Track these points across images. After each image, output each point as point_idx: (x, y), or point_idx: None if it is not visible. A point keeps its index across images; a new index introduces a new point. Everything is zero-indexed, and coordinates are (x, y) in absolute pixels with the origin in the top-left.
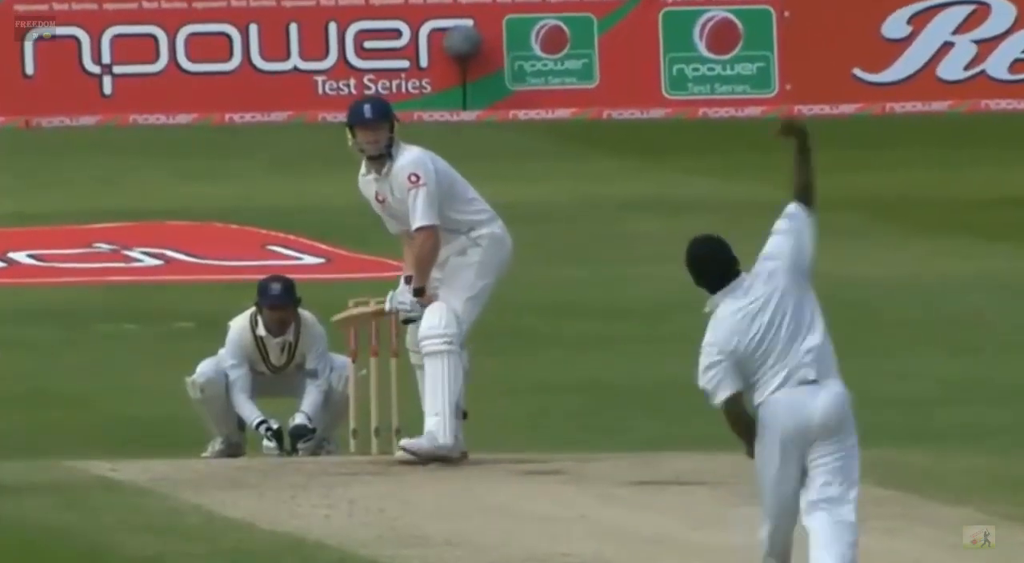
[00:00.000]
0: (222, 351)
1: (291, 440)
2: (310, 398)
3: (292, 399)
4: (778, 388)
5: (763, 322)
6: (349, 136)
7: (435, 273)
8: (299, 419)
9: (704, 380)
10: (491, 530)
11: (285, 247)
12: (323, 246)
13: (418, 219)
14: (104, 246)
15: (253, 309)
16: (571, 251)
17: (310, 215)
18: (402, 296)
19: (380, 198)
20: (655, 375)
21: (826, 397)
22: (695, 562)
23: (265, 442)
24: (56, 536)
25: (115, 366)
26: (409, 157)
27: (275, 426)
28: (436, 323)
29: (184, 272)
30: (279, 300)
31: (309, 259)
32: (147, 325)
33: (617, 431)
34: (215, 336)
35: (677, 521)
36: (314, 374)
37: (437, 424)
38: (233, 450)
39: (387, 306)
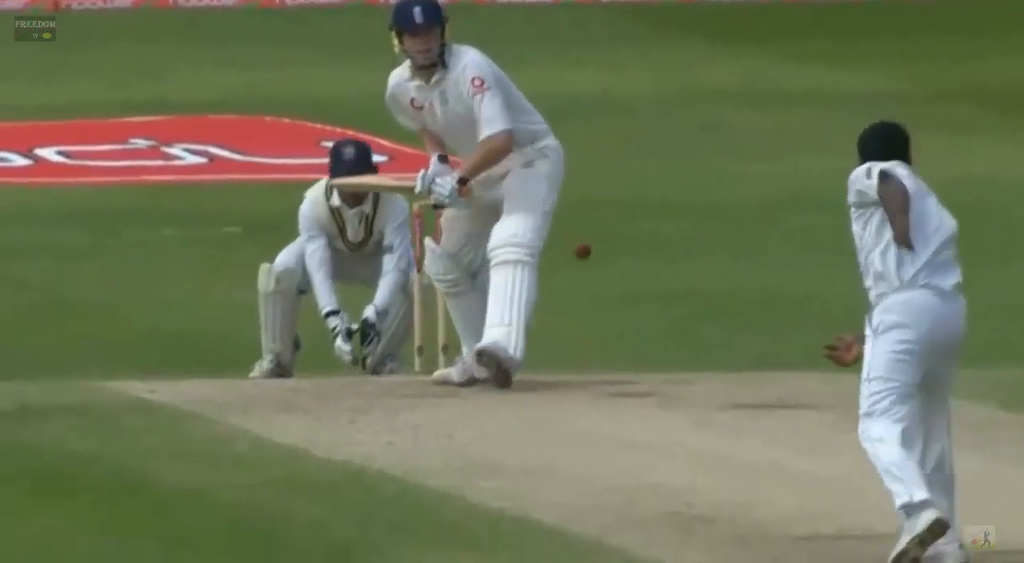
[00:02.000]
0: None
1: (359, 336)
2: (385, 288)
3: (367, 292)
4: (919, 275)
5: (929, 201)
6: (395, 41)
7: (480, 191)
8: (367, 313)
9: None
10: (572, 459)
11: None
12: (385, 142)
13: (495, 123)
14: (141, 142)
15: (326, 179)
16: (663, 146)
17: (371, 108)
18: (442, 177)
19: (418, 105)
20: (758, 284)
21: (962, 313)
22: (801, 493)
23: (339, 343)
24: (86, 465)
25: (152, 276)
26: (468, 60)
27: (353, 327)
28: (517, 232)
29: (230, 171)
30: (353, 167)
31: None
32: (188, 230)
33: (715, 348)
34: (264, 242)
35: (781, 448)
36: (391, 249)
37: (506, 335)
38: (283, 371)
39: (418, 187)
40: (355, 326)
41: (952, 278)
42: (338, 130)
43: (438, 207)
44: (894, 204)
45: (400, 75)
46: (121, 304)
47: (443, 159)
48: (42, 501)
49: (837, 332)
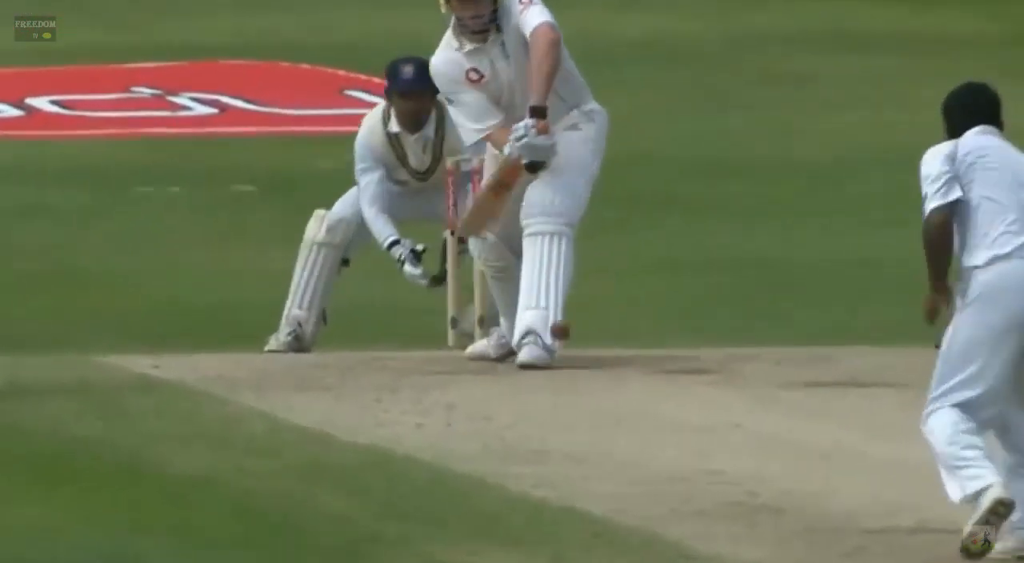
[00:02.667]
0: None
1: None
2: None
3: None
4: (1010, 246)
5: (1017, 163)
6: (447, 12)
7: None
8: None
9: (933, 174)
10: (623, 443)
11: (369, 93)
12: None
13: (537, 16)
14: (145, 91)
15: (385, 103)
16: (726, 97)
17: (401, 52)
18: (535, 137)
19: (475, 77)
20: (830, 250)
21: None
22: (877, 481)
23: (408, 269)
24: (86, 448)
25: (158, 239)
26: None
27: (419, 247)
28: (555, 199)
29: (244, 123)
30: (413, 85)
31: None
32: (198, 189)
33: (781, 320)
34: (280, 203)
35: (855, 431)
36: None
37: (542, 320)
38: (302, 346)
39: (508, 151)
40: (420, 246)
41: None
42: (363, 77)
43: (535, 169)
44: (926, 252)
45: (446, 51)
46: (125, 271)
47: (534, 111)
48: (38, 489)
49: (917, 302)
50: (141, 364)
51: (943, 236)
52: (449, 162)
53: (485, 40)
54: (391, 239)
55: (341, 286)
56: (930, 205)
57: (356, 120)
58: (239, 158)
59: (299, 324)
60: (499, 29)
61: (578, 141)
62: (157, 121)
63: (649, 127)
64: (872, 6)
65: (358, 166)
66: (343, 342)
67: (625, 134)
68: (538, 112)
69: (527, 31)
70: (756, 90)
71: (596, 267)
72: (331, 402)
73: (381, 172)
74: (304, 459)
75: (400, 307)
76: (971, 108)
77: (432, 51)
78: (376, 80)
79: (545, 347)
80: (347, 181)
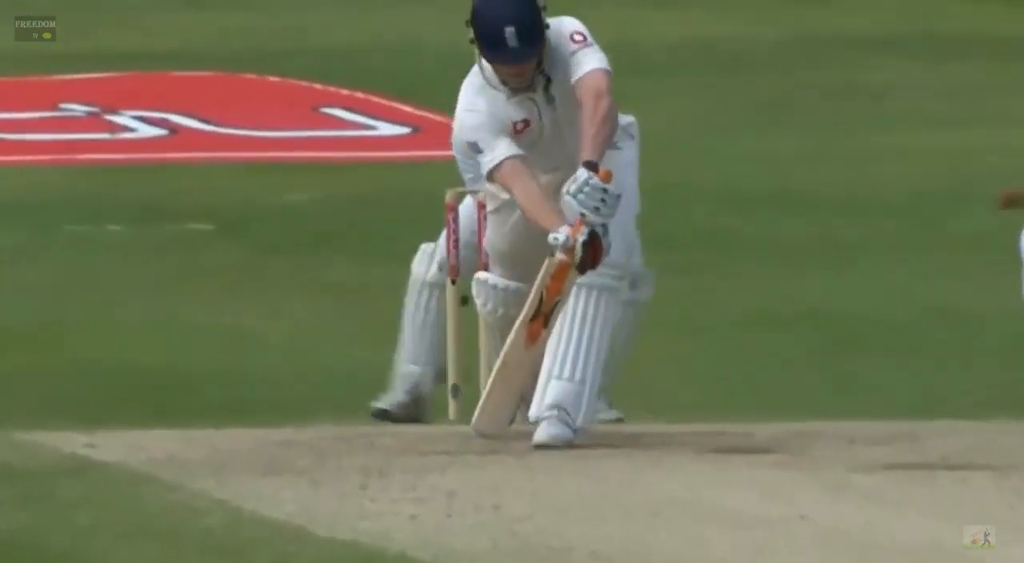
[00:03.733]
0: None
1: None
2: None
3: None
4: None
5: None
6: (479, 61)
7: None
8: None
9: None
10: (662, 538)
11: (351, 110)
12: (408, 108)
13: (588, 64)
14: (78, 108)
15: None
16: (783, 112)
17: (389, 63)
18: (594, 190)
19: (520, 127)
20: (914, 302)
21: None
22: None
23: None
24: (7, 546)
25: (93, 288)
26: (563, 24)
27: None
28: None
29: (198, 147)
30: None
31: (387, 128)
32: (142, 227)
33: (857, 387)
34: (245, 243)
35: (946, 524)
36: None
37: (575, 396)
38: (417, 410)
39: (555, 239)
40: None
41: None
42: (343, 92)
43: (590, 263)
44: None
45: (488, 97)
46: (52, 327)
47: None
48: None
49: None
50: (73, 442)
51: None
52: (448, 195)
53: (533, 89)
54: None
55: (317, 346)
56: None
57: (333, 144)
58: (192, 190)
59: (416, 384)
60: (544, 74)
61: (623, 165)
62: (92, 145)
63: (689, 149)
64: (960, 3)
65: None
66: (322, 414)
67: (659, 157)
68: (592, 167)
69: (577, 73)
70: (818, 106)
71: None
72: (306, 489)
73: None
74: (273, 559)
75: (389, 371)
76: None
77: (427, 57)
78: (359, 95)
79: (572, 427)
80: (320, 215)
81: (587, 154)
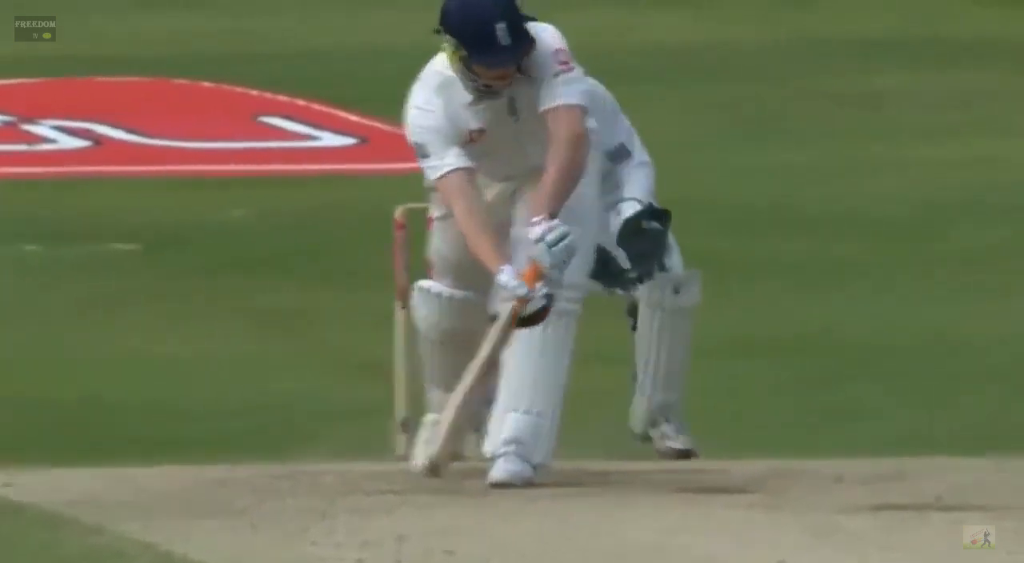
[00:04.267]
0: None
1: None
2: (635, 183)
3: None
4: None
5: None
6: (457, 63)
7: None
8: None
9: None
10: None
11: (292, 119)
12: (355, 118)
13: (567, 96)
14: None
15: None
16: (779, 123)
17: (336, 67)
18: (567, 250)
19: (476, 136)
20: (906, 327)
21: None
22: None
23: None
24: None
25: (7, 314)
26: (547, 37)
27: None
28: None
29: (124, 160)
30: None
31: (332, 139)
32: (62, 247)
33: (846, 420)
34: (174, 266)
35: None
36: (620, 154)
37: (532, 430)
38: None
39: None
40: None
41: None
42: (283, 99)
43: (536, 317)
44: None
45: (449, 99)
46: None
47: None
48: None
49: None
50: None
51: None
52: (398, 212)
53: (496, 96)
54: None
55: (254, 377)
56: None
57: (273, 156)
58: (118, 206)
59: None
60: (520, 69)
61: (584, 184)
62: (8, 158)
63: (677, 163)
64: (970, 5)
65: None
66: (261, 450)
67: None
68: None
69: (556, 101)
70: (820, 115)
71: (595, 351)
72: (244, 532)
73: None
74: None
75: (336, 403)
76: None
77: (385, 62)
78: (300, 102)
79: (531, 463)
80: (258, 235)
81: (549, 206)
